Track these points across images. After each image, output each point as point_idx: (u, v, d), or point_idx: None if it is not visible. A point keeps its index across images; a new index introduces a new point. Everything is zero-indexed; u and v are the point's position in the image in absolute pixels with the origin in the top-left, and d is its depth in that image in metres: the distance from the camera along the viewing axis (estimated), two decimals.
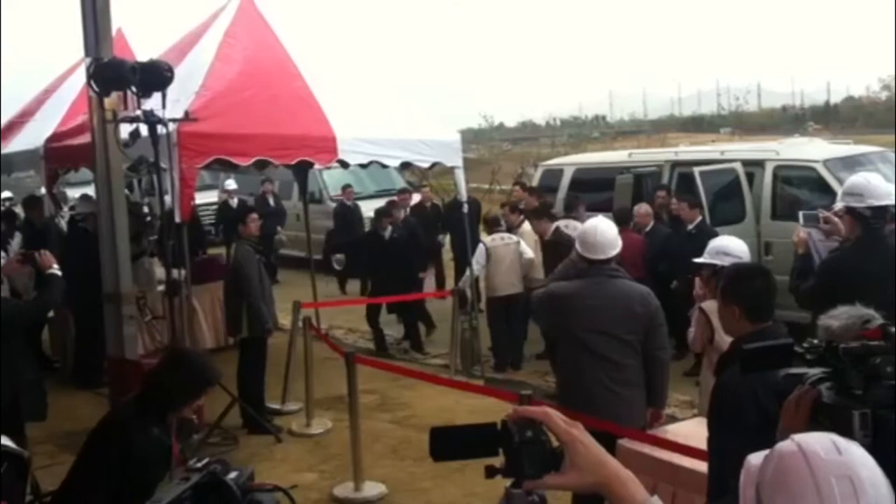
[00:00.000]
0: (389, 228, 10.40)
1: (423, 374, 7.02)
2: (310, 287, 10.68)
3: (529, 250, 9.36)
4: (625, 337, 4.67)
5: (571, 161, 13.51)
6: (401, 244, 10.34)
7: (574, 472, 1.49)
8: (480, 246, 9.44)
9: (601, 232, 4.76)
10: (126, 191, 8.91)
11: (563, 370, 5.02)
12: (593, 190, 11.30)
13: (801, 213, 5.72)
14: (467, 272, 9.40)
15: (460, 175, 9.38)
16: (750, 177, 10.01)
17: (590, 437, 1.53)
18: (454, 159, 9.17)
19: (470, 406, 6.67)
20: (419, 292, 10.46)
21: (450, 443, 1.63)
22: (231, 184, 16.16)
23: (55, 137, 8.90)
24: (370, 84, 9.73)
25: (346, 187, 15.10)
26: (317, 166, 10.01)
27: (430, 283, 12.01)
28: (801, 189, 10.00)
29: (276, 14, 9.16)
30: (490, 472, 1.56)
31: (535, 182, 13.34)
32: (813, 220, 5.30)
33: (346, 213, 14.68)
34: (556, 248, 8.42)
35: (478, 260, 9.30)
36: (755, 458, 1.60)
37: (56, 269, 5.65)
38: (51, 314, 8.46)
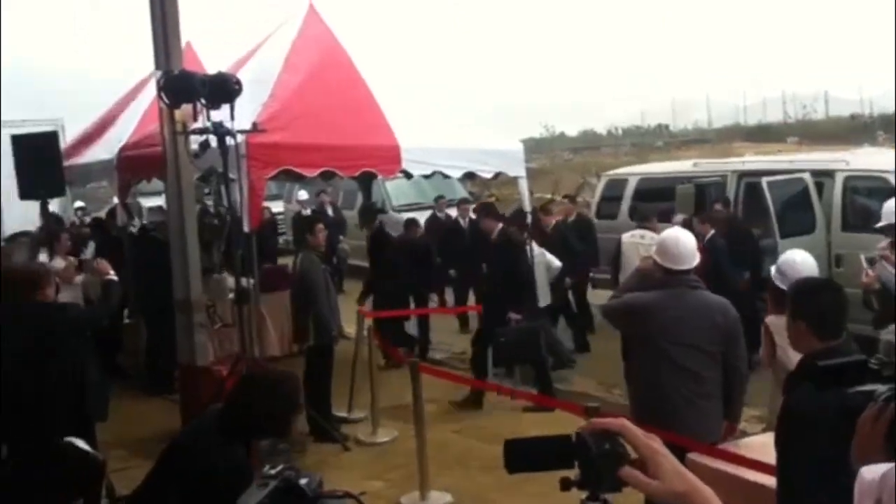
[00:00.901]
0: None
1: (487, 384, 7.01)
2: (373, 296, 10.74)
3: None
4: (707, 348, 4.59)
5: (635, 171, 13.39)
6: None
7: (657, 483, 1.46)
8: None
9: (682, 242, 4.70)
10: (207, 201, 9.12)
11: (640, 381, 4.93)
12: (657, 200, 11.18)
13: (862, 256, 5.62)
14: None
15: (524, 185, 9.37)
16: (819, 187, 9.80)
17: (667, 450, 1.51)
18: (517, 169, 9.17)
19: (534, 417, 6.64)
20: None
21: (524, 455, 1.62)
22: (303, 194, 16.36)
23: (127, 148, 9.13)
24: (433, 94, 9.84)
25: (439, 198, 14.23)
26: (380, 177, 10.10)
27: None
28: (872, 200, 9.74)
29: (341, 24, 9.28)
30: (565, 484, 1.54)
31: (597, 192, 13.25)
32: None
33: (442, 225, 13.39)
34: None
35: None
36: (869, 473, 1.56)
37: (112, 276, 5.80)
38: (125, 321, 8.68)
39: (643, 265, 5.04)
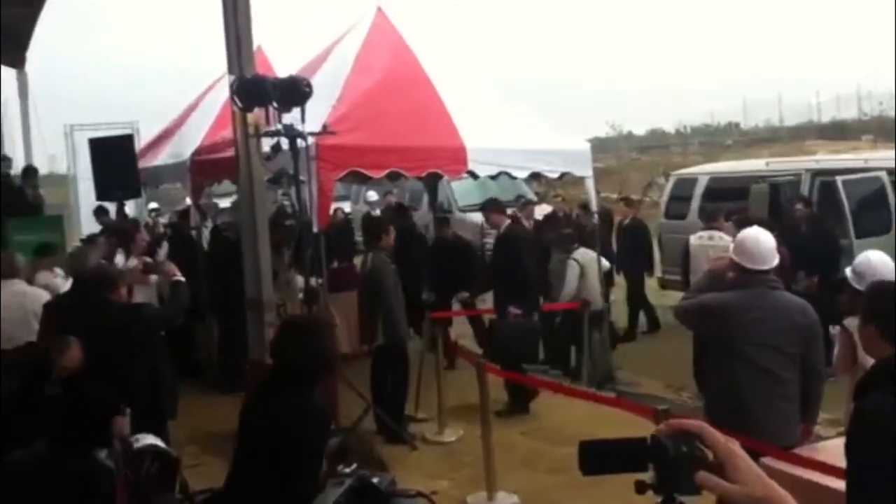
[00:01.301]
0: None
1: (554, 385, 6.99)
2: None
3: (606, 261, 9.28)
4: (787, 350, 4.50)
5: (705, 170, 13.19)
6: None
7: (736, 487, 1.45)
8: (573, 263, 9.25)
9: (762, 242, 4.61)
10: (285, 201, 9.25)
11: (717, 383, 4.85)
12: (729, 200, 10.99)
13: None
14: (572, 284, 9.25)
15: (591, 185, 9.31)
16: None
17: (745, 453, 1.49)
18: (584, 169, 9.11)
19: (602, 419, 6.57)
20: None
21: (599, 456, 1.61)
22: (373, 195, 16.50)
23: (200, 151, 9.33)
24: (499, 93, 9.80)
25: (518, 199, 13.91)
26: (446, 177, 10.14)
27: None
28: None
29: (409, 25, 9.34)
30: (640, 487, 1.53)
31: (666, 192, 13.08)
32: None
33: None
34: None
35: (569, 279, 9.16)
36: None
37: (180, 277, 5.93)
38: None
39: (716, 265, 4.96)
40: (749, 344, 4.51)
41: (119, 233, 9.25)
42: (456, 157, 8.16)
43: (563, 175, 9.22)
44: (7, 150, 14.26)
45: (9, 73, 16.14)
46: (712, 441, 1.46)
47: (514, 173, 8.96)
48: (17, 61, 16.44)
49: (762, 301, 4.53)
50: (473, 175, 9.08)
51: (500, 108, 9.16)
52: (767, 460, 4.29)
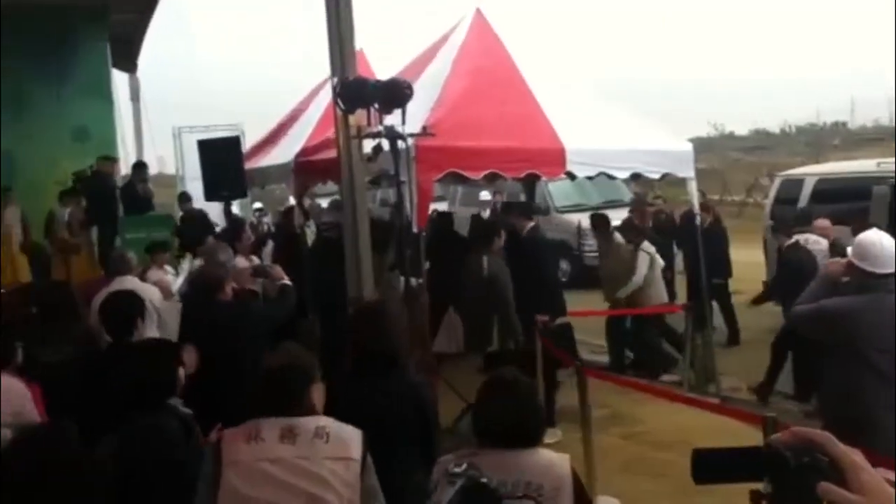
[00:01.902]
0: None
1: (657, 390, 6.88)
2: None
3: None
4: None
5: (813, 171, 12.78)
6: None
7: (860, 500, 1.40)
8: (643, 253, 9.34)
9: (886, 244, 4.44)
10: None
11: (836, 390, 4.67)
12: (838, 202, 10.62)
13: None
14: None
15: (693, 186, 9.13)
16: None
17: (869, 465, 1.44)
18: (687, 170, 8.95)
19: (706, 425, 6.44)
20: None
21: (713, 465, 1.58)
22: (486, 195, 16.57)
23: (304, 152, 9.53)
24: (597, 93, 9.71)
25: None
26: (544, 178, 10.10)
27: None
28: None
29: (507, 26, 9.34)
30: (756, 497, 1.50)
31: (772, 193, 12.72)
32: None
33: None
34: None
35: (639, 267, 9.25)
36: None
37: (287, 280, 6.05)
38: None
39: (831, 269, 4.79)
40: (872, 350, 4.34)
41: (226, 232, 9.54)
42: (555, 159, 8.12)
43: (664, 176, 9.08)
44: (119, 152, 14.92)
45: (121, 78, 16.86)
46: (835, 452, 1.42)
47: (614, 174, 8.86)
48: (130, 66, 17.16)
49: (884, 305, 4.35)
50: (571, 176, 9.03)
51: (599, 109, 9.07)
52: (882, 471, 4.13)
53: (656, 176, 9.07)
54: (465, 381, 7.43)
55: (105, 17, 14.18)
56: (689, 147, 9.21)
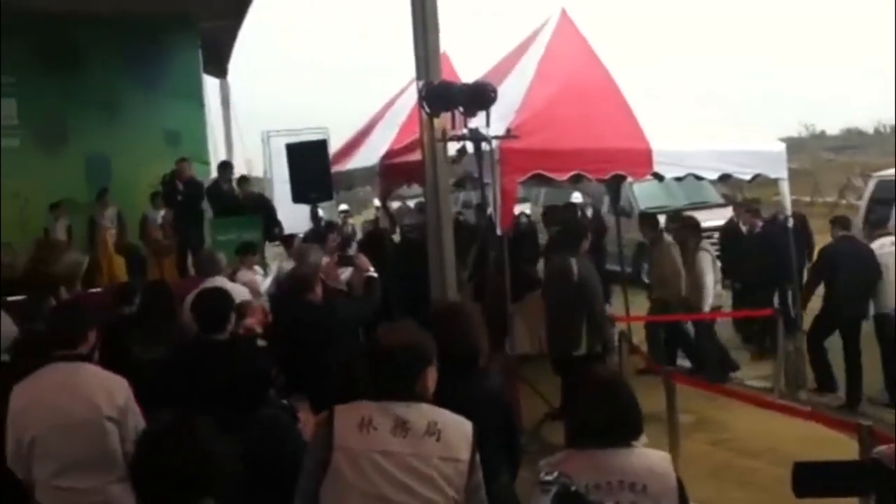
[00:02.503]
0: None
1: (746, 396, 6.73)
2: (622, 300, 10.64)
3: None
4: None
5: None
6: None
7: None
8: (705, 254, 9.17)
9: None
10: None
11: None
12: None
13: None
14: None
15: (785, 187, 8.91)
16: None
17: None
18: (779, 171, 8.74)
19: (797, 433, 6.28)
20: None
21: (814, 478, 1.55)
22: (578, 196, 16.48)
23: (389, 155, 9.63)
24: (686, 93, 9.56)
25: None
26: (629, 179, 9.98)
27: None
28: None
29: (592, 26, 9.27)
30: None
31: (865, 195, 12.31)
32: None
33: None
34: None
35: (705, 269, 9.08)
36: None
37: (373, 272, 6.09)
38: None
39: None
40: None
41: (312, 234, 9.69)
42: (641, 159, 8.02)
43: (755, 177, 8.87)
44: (210, 155, 15.32)
45: (212, 83, 17.31)
46: None
47: (703, 175, 8.70)
48: (220, 72, 17.59)
49: None
50: (658, 177, 8.90)
51: (686, 108, 8.93)
52: None
53: (747, 177, 8.87)
54: (545, 384, 7.39)
55: (194, 24, 14.59)
56: (781, 147, 8.99)
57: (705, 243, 9.38)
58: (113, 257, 12.98)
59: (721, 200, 16.31)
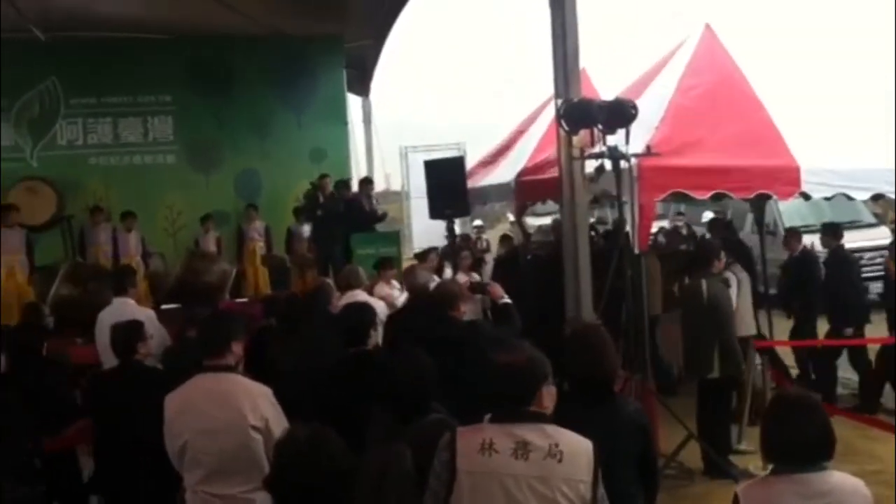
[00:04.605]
0: None
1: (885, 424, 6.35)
2: (765, 324, 10.23)
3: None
4: None
5: None
6: None
7: None
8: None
9: None
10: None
11: None
12: None
13: None
14: None
15: None
16: None
17: None
18: None
19: None
20: None
21: None
22: (709, 215, 16.07)
23: (525, 172, 9.64)
24: (836, 110, 9.12)
25: None
26: (775, 198, 9.62)
27: None
28: None
29: (737, 43, 9.00)
30: None
31: None
32: None
33: None
34: None
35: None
36: None
37: (506, 299, 6.03)
38: None
39: None
40: None
41: (447, 250, 9.82)
42: (788, 178, 7.72)
43: None
44: (352, 171, 15.74)
45: (355, 101, 17.84)
46: None
47: (853, 194, 8.28)
48: (363, 91, 18.10)
49: None
50: (805, 196, 8.54)
51: (838, 126, 8.53)
52: None
53: None
54: (681, 407, 7.20)
55: (341, 46, 15.07)
56: None
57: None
58: (259, 269, 13.52)
59: (873, 220, 15.51)
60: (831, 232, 9.57)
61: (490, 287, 6.56)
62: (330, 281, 8.17)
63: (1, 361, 4.84)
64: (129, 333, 5.29)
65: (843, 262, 9.34)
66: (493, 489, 2.88)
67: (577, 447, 2.94)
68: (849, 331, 8.96)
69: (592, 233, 10.21)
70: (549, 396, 3.04)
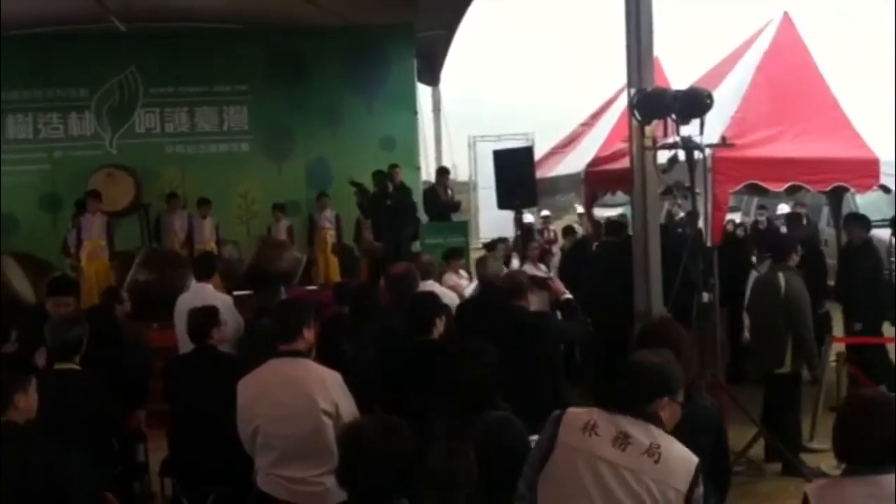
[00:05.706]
0: None
1: None
2: (840, 319, 9.97)
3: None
4: None
5: None
6: None
7: None
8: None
9: None
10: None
11: None
12: None
13: None
14: None
15: None
16: None
17: None
18: None
19: None
20: None
21: None
22: (784, 208, 15.76)
23: (595, 162, 9.55)
24: None
25: None
26: (853, 191, 9.37)
27: None
28: None
29: (813, 33, 8.78)
30: None
31: None
32: None
33: None
34: None
35: None
36: None
37: (568, 295, 5.99)
38: None
39: None
40: None
41: (516, 240, 9.79)
42: (867, 171, 7.56)
43: None
44: (421, 160, 15.82)
45: (425, 91, 17.90)
46: None
47: None
48: (433, 80, 18.16)
49: None
50: (885, 189, 8.30)
51: None
52: None
53: None
54: (748, 403, 7.06)
55: (412, 35, 15.12)
56: None
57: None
58: (329, 257, 13.68)
59: None
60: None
61: (550, 282, 6.53)
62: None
63: (83, 343, 4.98)
64: (203, 319, 5.39)
65: None
66: (584, 468, 2.94)
67: (679, 455, 2.94)
68: None
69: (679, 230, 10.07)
70: (669, 409, 3.05)
